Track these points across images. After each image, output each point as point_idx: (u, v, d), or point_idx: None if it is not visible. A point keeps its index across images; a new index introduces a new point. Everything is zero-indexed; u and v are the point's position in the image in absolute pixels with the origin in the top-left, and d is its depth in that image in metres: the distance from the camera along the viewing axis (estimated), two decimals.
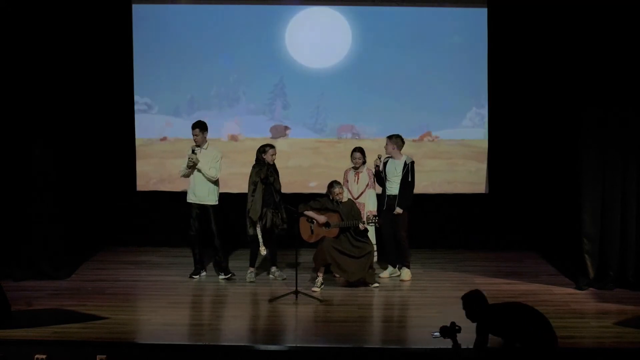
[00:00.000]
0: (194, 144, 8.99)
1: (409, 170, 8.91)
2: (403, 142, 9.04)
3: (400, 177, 8.91)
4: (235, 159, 10.22)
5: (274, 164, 8.99)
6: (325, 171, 10.16)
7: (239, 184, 9.81)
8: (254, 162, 8.94)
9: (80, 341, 6.91)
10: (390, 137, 9.02)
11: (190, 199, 9.03)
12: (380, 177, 9.04)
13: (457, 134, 10.43)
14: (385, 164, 9.00)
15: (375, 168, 9.03)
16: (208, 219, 9.02)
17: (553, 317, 7.54)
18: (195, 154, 8.89)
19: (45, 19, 8.94)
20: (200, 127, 8.97)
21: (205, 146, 8.99)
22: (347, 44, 10.37)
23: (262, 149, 8.92)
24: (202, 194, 8.97)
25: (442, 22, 10.30)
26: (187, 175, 9.02)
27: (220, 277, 9.10)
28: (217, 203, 9.04)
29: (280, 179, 8.99)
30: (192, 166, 8.88)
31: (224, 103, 10.50)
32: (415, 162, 9.07)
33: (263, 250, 8.77)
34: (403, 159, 8.97)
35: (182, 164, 9.05)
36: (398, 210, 8.88)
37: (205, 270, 9.22)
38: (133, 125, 10.49)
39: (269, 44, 10.39)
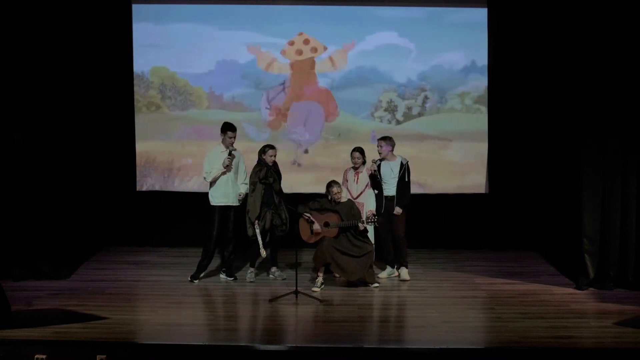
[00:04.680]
0: (222, 146, 8.91)
1: (405, 170, 8.92)
2: (394, 143, 9.06)
3: (397, 178, 8.91)
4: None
5: (276, 165, 8.99)
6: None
7: None
8: (256, 163, 8.96)
9: (80, 341, 6.91)
10: (384, 139, 9.02)
11: (221, 201, 8.92)
12: (375, 180, 9.03)
13: (457, 133, 10.43)
14: (378, 166, 9.00)
15: (373, 172, 9.01)
16: (229, 219, 8.97)
17: (553, 317, 7.59)
18: (233, 156, 8.87)
19: (45, 19, 8.94)
20: (235, 129, 8.96)
21: (233, 148, 8.97)
22: (346, 44, 10.37)
23: (262, 150, 8.93)
24: (233, 195, 8.95)
25: (442, 21, 10.31)
26: (216, 179, 8.90)
27: (222, 275, 9.10)
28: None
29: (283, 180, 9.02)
30: (226, 169, 8.85)
31: (225, 103, 10.49)
32: (410, 162, 9.07)
33: (263, 253, 8.74)
34: (398, 159, 8.98)
35: (208, 167, 8.88)
36: (398, 210, 8.88)
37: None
38: (133, 125, 10.49)
39: (269, 44, 10.39)
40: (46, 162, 8.98)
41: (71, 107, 9.66)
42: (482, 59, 10.32)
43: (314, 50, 10.37)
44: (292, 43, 10.36)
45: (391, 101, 10.44)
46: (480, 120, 10.41)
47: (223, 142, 8.95)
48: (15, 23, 8.77)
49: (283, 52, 10.39)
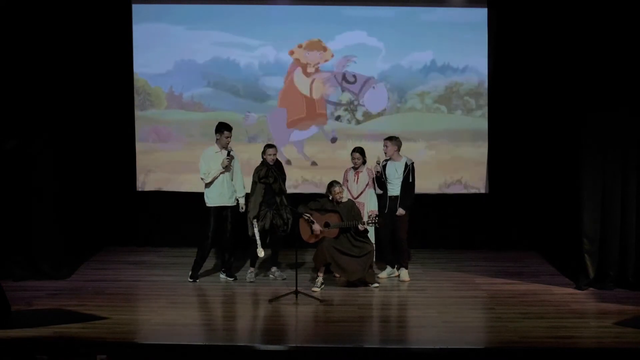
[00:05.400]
0: (217, 146, 8.88)
1: (410, 171, 8.91)
2: (401, 143, 9.06)
3: (401, 179, 8.90)
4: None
5: (280, 165, 8.98)
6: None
7: None
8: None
9: (80, 341, 6.91)
10: (390, 139, 9.01)
11: (216, 202, 8.89)
12: (380, 181, 9.03)
13: (457, 133, 10.44)
14: (384, 166, 9.00)
15: (376, 173, 9.00)
16: (226, 219, 8.96)
17: (553, 317, 7.59)
18: (232, 157, 8.86)
19: (45, 18, 8.95)
20: (232, 129, 8.94)
21: (229, 147, 8.98)
22: (346, 44, 10.38)
23: (263, 149, 8.93)
24: (229, 195, 8.93)
25: (442, 22, 10.31)
26: (214, 179, 8.87)
27: (222, 275, 9.09)
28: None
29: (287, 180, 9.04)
30: (225, 170, 8.84)
31: (225, 103, 10.48)
32: (414, 162, 9.07)
33: (260, 252, 8.68)
34: (403, 160, 8.97)
35: (206, 168, 8.84)
36: (401, 211, 8.87)
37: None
38: (133, 124, 10.50)
39: (268, 44, 10.39)
40: (46, 162, 8.98)
41: (71, 107, 9.66)
42: (482, 58, 10.31)
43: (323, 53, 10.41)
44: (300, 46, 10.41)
45: (350, 102, 10.44)
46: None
47: (218, 142, 8.90)
48: (14, 24, 8.78)
49: (291, 53, 10.41)
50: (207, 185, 8.90)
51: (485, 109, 10.39)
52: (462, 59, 10.35)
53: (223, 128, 8.89)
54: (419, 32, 10.30)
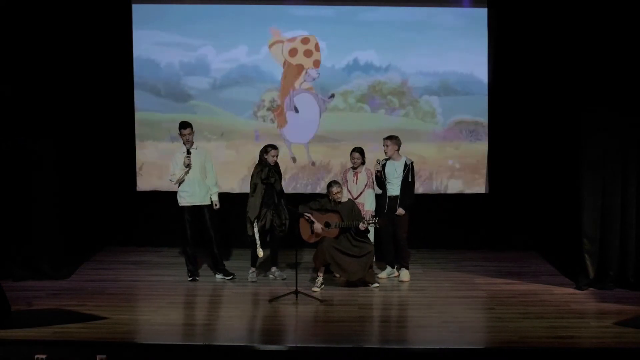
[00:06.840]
0: (186, 144, 8.89)
1: (409, 170, 8.91)
2: (401, 142, 9.06)
3: (400, 178, 8.90)
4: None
5: (277, 165, 8.99)
6: None
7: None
8: (257, 162, 8.95)
9: (80, 341, 6.92)
10: (390, 138, 9.01)
11: (189, 201, 8.92)
12: (380, 181, 9.03)
13: (457, 133, 10.43)
14: (383, 166, 8.99)
15: (376, 173, 9.00)
16: (205, 219, 8.99)
17: (553, 317, 7.59)
18: (191, 153, 8.86)
19: (45, 18, 8.94)
20: (191, 126, 8.93)
21: (195, 146, 8.97)
22: (345, 44, 10.37)
23: (265, 149, 8.92)
24: (202, 194, 8.94)
25: (442, 22, 10.30)
26: (181, 181, 8.89)
27: (219, 277, 9.09)
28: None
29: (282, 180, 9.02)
30: (187, 168, 8.83)
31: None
32: (413, 162, 9.08)
33: (260, 253, 8.71)
34: (403, 159, 8.97)
35: (173, 169, 8.89)
36: (400, 211, 8.87)
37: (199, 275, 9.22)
38: (133, 125, 10.49)
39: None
40: (46, 162, 8.98)
41: (71, 106, 9.66)
42: (482, 59, 10.29)
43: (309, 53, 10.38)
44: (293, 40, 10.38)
45: (274, 100, 10.42)
46: (480, 121, 10.41)
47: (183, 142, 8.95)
48: (15, 24, 8.78)
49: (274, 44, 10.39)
50: (180, 185, 8.91)
51: (409, 108, 10.36)
52: (385, 58, 10.31)
53: (179, 127, 8.91)
54: (357, 32, 10.27)
